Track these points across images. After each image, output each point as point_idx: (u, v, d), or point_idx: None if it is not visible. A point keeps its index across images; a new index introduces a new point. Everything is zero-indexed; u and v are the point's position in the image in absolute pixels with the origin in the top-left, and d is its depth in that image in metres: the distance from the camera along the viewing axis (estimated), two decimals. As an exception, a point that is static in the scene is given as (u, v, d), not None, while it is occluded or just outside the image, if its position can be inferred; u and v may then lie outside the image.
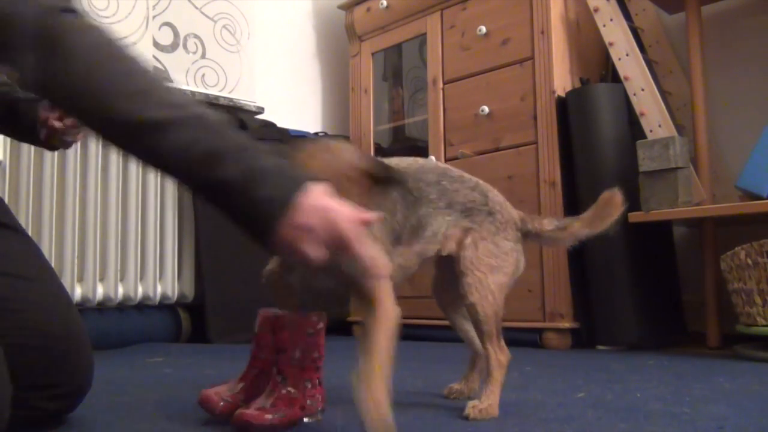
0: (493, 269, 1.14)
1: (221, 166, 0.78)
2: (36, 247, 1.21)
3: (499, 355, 1.15)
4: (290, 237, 0.78)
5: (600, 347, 2.20)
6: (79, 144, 2.31)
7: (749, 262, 1.85)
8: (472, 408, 1.11)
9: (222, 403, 1.09)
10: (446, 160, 2.61)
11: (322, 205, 0.79)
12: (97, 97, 0.78)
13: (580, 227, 1.20)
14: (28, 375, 1.01)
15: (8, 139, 2.14)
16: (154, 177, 2.52)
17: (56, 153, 2.24)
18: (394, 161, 1.15)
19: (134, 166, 2.44)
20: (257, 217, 0.79)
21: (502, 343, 1.17)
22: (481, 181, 1.21)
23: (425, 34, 2.77)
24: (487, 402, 1.11)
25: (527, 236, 1.22)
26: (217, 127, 0.80)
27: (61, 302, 1.14)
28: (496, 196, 1.20)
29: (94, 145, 2.35)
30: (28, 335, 1.03)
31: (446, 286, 1.28)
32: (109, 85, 0.78)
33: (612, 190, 1.18)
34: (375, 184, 0.98)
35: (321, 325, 1.11)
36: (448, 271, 1.21)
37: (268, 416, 1.01)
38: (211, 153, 0.78)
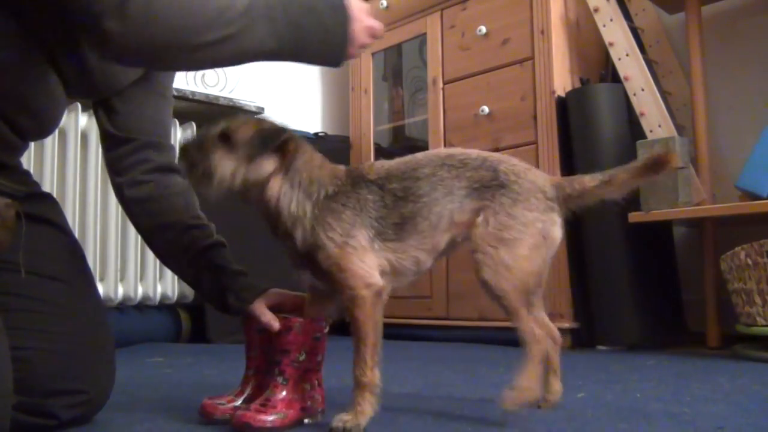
0: (507, 242, 1.06)
1: (300, 29, 0.98)
2: (80, 249, 1.21)
3: (534, 328, 1.06)
4: (353, 53, 1.04)
5: (600, 347, 2.20)
6: (78, 144, 2.31)
7: (749, 262, 1.85)
8: (507, 399, 1.02)
9: (224, 408, 1.09)
10: (446, 160, 2.61)
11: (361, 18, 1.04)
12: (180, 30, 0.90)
13: (628, 177, 1.12)
14: (49, 380, 1.01)
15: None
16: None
17: (55, 153, 2.24)
18: (390, 163, 1.12)
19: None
20: (328, 61, 1.03)
21: (542, 314, 1.12)
22: (491, 156, 1.13)
23: (425, 34, 2.77)
24: (522, 385, 1.03)
25: (569, 200, 1.14)
26: (270, 14, 0.96)
27: (92, 309, 1.14)
28: (511, 166, 1.12)
29: (94, 145, 2.35)
30: (54, 339, 1.03)
31: None
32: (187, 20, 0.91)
33: (667, 152, 1.15)
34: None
35: (327, 329, 1.12)
36: None
37: (269, 417, 1.01)
38: (272, 41, 0.96)
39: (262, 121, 1.07)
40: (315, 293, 1.13)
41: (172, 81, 1.31)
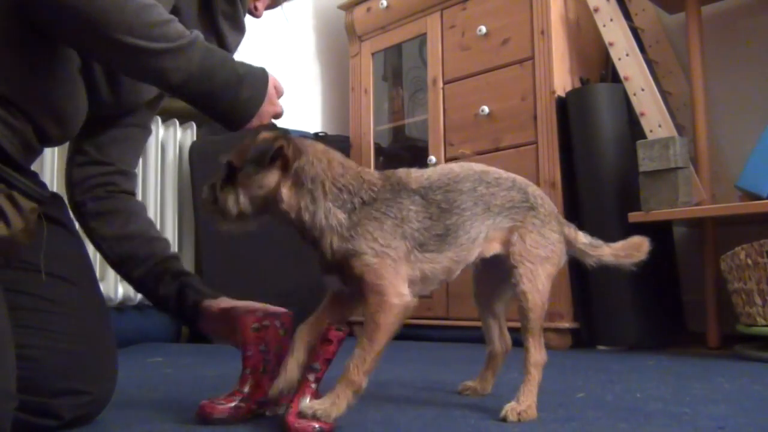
0: (542, 260, 1.16)
1: (213, 80, 1.00)
2: (85, 250, 1.24)
3: (539, 353, 1.15)
4: (259, 121, 1.07)
5: (600, 347, 2.20)
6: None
7: (749, 262, 1.85)
8: (510, 410, 1.08)
9: (221, 407, 1.10)
10: (446, 161, 2.61)
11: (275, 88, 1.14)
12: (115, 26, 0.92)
13: (609, 253, 1.24)
14: (55, 379, 1.02)
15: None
16: (153, 176, 2.52)
17: (56, 153, 2.24)
18: (428, 172, 1.15)
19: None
20: (228, 125, 1.06)
21: (542, 341, 1.17)
22: (518, 178, 1.21)
23: (425, 34, 2.77)
24: (525, 403, 1.10)
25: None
26: (205, 48, 1.01)
27: (96, 309, 1.16)
28: (535, 190, 1.21)
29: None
30: (62, 339, 1.04)
31: (488, 277, 1.30)
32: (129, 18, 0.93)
33: (643, 237, 1.25)
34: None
35: None
36: (492, 267, 1.23)
37: (319, 424, 0.99)
38: (204, 69, 0.99)
39: (257, 136, 1.05)
40: (335, 298, 1.13)
41: (153, 113, 1.37)
